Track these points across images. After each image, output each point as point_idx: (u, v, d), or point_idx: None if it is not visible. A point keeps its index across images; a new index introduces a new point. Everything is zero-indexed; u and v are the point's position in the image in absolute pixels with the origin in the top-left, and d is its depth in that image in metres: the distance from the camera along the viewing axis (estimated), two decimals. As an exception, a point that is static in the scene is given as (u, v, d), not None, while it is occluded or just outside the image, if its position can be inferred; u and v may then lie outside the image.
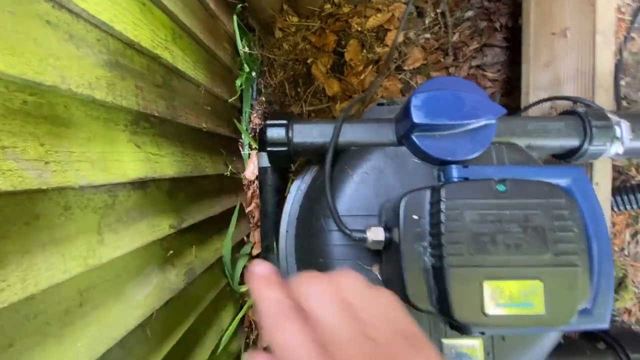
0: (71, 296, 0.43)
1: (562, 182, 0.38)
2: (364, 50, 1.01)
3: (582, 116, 0.50)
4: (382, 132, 0.50)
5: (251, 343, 1.12)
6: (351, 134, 0.50)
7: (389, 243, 0.38)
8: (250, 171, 1.28)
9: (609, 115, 0.50)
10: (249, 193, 1.28)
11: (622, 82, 0.77)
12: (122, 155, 0.53)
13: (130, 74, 0.56)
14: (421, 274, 0.34)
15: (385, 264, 0.39)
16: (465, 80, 0.45)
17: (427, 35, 0.99)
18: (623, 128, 0.48)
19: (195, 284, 0.78)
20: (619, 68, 0.75)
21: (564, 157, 0.53)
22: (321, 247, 0.48)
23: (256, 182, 1.21)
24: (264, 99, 1.17)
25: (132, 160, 0.55)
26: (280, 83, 1.12)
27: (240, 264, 1.01)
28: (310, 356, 0.20)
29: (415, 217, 0.35)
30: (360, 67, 1.00)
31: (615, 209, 0.72)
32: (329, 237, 0.47)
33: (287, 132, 0.49)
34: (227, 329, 0.94)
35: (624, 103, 0.77)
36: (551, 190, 0.33)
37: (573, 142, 0.50)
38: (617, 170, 0.79)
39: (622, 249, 0.81)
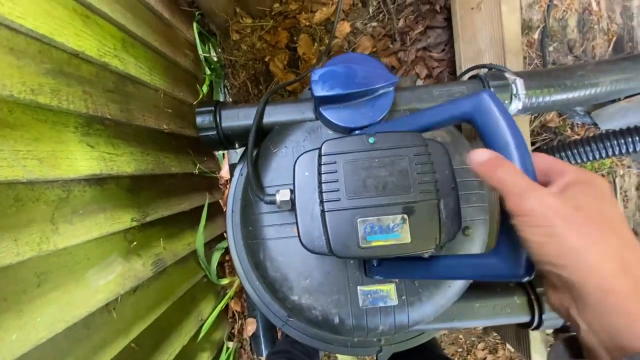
0: (28, 277, 0.48)
1: (466, 113, 0.36)
2: (315, 44, 1.06)
3: (481, 78, 0.55)
4: (302, 110, 0.55)
5: (236, 333, 1.16)
6: (274, 114, 0.55)
7: (294, 201, 0.43)
8: (225, 170, 1.34)
9: (506, 74, 0.54)
10: (226, 192, 1.34)
11: (550, 48, 0.81)
12: (73, 154, 0.58)
13: (77, 81, 0.61)
14: (312, 221, 0.39)
15: (296, 221, 0.44)
16: (364, 55, 0.50)
17: (374, 24, 1.05)
18: (518, 85, 0.53)
19: (166, 274, 0.83)
20: (545, 34, 0.79)
21: (474, 118, 0.57)
22: (251, 217, 0.53)
23: (230, 179, 1.26)
24: (230, 99, 1.22)
25: (85, 159, 0.60)
26: (243, 83, 1.18)
27: (216, 257, 1.06)
28: (566, 212, 0.26)
29: (306, 173, 0.40)
30: (314, 60, 1.06)
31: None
32: (256, 207, 0.52)
33: (214, 117, 0.54)
34: (207, 319, 0.99)
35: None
36: (413, 139, 0.37)
37: (477, 103, 0.55)
38: (554, 132, 0.83)
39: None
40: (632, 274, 0.25)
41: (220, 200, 1.28)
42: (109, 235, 0.65)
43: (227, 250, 1.15)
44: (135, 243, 0.72)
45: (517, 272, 0.31)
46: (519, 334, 0.75)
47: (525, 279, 0.32)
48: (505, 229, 0.31)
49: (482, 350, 1.26)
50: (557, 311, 0.30)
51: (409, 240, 0.35)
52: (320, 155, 0.38)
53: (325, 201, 0.36)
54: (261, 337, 1.14)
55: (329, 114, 0.49)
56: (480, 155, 0.32)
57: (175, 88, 0.98)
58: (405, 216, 0.35)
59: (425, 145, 0.37)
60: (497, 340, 1.27)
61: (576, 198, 0.27)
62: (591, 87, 0.57)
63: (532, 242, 0.27)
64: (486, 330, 1.26)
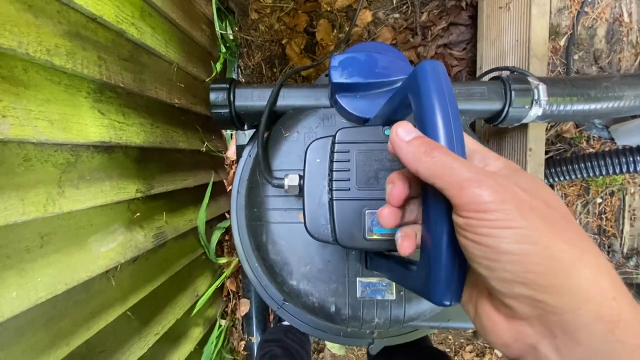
0: (32, 237, 0.49)
1: (404, 90, 0.30)
2: (335, 30, 1.04)
3: (504, 80, 0.53)
4: (317, 96, 0.54)
5: (229, 312, 1.18)
6: (289, 98, 0.55)
7: (303, 187, 0.42)
8: (232, 151, 1.33)
9: (529, 79, 0.53)
10: (231, 172, 1.34)
11: (575, 57, 0.79)
12: (84, 119, 0.58)
13: (93, 46, 0.60)
14: (319, 209, 0.39)
15: (303, 207, 0.43)
16: (386, 45, 0.49)
17: (396, 15, 1.02)
18: (541, 90, 0.51)
19: (166, 247, 0.84)
20: (572, 42, 0.77)
21: (491, 120, 0.56)
22: (257, 199, 0.52)
23: (236, 160, 1.26)
24: (243, 79, 1.21)
25: (95, 125, 0.60)
26: (258, 64, 1.16)
27: (216, 235, 1.06)
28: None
29: (318, 160, 0.40)
30: (332, 46, 1.04)
31: (562, 178, 0.75)
32: (263, 189, 0.52)
33: (228, 95, 0.53)
34: (202, 295, 1.00)
35: (577, 77, 0.80)
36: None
37: (496, 106, 0.54)
38: (569, 143, 0.82)
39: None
40: (623, 288, 0.19)
41: (224, 180, 1.28)
42: (113, 204, 0.65)
43: (227, 230, 1.16)
44: (138, 214, 0.72)
45: (434, 295, 0.24)
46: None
47: (446, 304, 0.24)
48: (427, 237, 0.25)
49: (470, 352, 1.28)
50: (507, 349, 0.22)
51: (415, 236, 0.35)
52: (333, 143, 0.37)
53: (335, 189, 0.36)
54: (253, 318, 1.15)
55: (344, 102, 0.48)
56: (404, 132, 0.25)
57: (189, 63, 0.97)
58: (414, 212, 0.35)
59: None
60: (485, 344, 1.28)
61: (531, 189, 0.21)
62: (615, 99, 0.56)
63: (502, 251, 0.20)
64: (476, 333, 1.27)
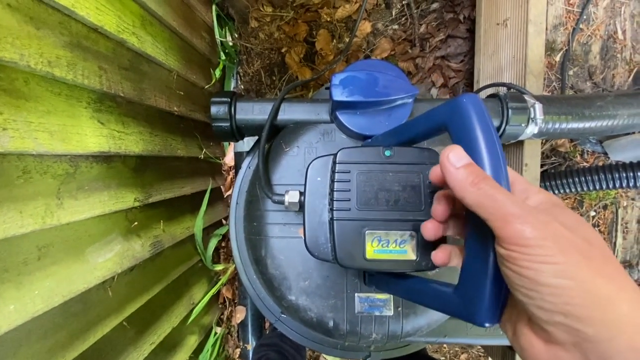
0: (29, 249, 0.48)
1: (442, 120, 0.31)
2: (334, 40, 1.05)
3: (501, 98, 0.54)
4: (317, 111, 0.55)
5: (225, 319, 1.18)
6: (290, 112, 0.55)
7: (303, 205, 0.43)
8: (230, 157, 1.33)
9: (526, 97, 0.54)
10: (229, 178, 1.34)
11: (570, 72, 0.81)
12: (83, 129, 0.58)
13: (94, 56, 0.60)
14: (319, 227, 0.39)
15: (304, 225, 0.44)
16: (387, 63, 0.50)
17: (395, 27, 1.03)
18: (537, 109, 0.52)
19: (163, 256, 0.84)
20: (567, 58, 0.79)
21: (488, 137, 0.57)
22: (256, 213, 0.53)
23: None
24: (242, 87, 1.21)
25: (95, 135, 0.60)
26: (257, 72, 1.17)
27: (213, 242, 1.06)
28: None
29: (319, 178, 0.40)
30: (331, 56, 1.05)
31: (557, 191, 0.77)
32: (262, 203, 0.52)
33: (229, 109, 0.53)
34: (198, 303, 1.00)
35: (572, 93, 0.81)
36: (430, 156, 0.37)
37: (493, 123, 0.55)
38: (563, 157, 0.83)
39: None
40: None
41: (222, 187, 1.28)
42: (111, 214, 0.65)
43: (223, 237, 1.16)
44: (136, 223, 0.72)
45: (475, 317, 0.26)
46: (505, 352, 0.76)
47: (486, 326, 0.26)
48: (470, 261, 0.26)
49: (464, 361, 1.28)
50: None
51: (414, 257, 0.35)
52: (335, 163, 0.37)
53: (336, 209, 0.36)
54: (249, 325, 1.15)
55: (344, 118, 0.49)
56: (456, 157, 0.26)
57: (189, 70, 0.97)
58: (414, 233, 0.36)
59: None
60: (480, 353, 1.29)
61: (572, 225, 0.23)
62: (609, 118, 0.57)
63: (541, 285, 0.21)
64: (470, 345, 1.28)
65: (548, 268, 0.21)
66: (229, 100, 0.53)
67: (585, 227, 0.23)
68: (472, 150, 0.26)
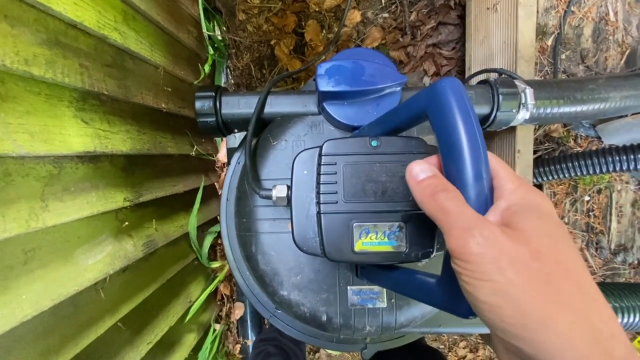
0: (15, 254, 0.47)
1: (422, 108, 0.29)
2: (324, 31, 1.03)
3: (491, 84, 0.53)
4: (305, 103, 0.54)
5: (224, 316, 1.18)
6: (276, 105, 0.54)
7: (290, 199, 0.42)
8: (223, 153, 1.32)
9: (517, 82, 0.53)
10: (222, 175, 1.33)
11: (562, 56, 0.80)
12: (66, 129, 0.56)
13: (74, 53, 0.59)
14: (307, 222, 0.38)
15: (291, 220, 0.43)
16: (374, 51, 0.49)
17: (385, 15, 1.01)
18: (528, 94, 0.51)
19: (157, 255, 0.83)
20: (559, 41, 0.78)
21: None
22: (246, 209, 0.52)
23: (227, 163, 1.24)
24: (232, 81, 1.19)
25: (79, 135, 0.59)
26: (247, 65, 1.15)
27: (208, 240, 1.05)
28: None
29: (305, 172, 0.39)
30: (321, 47, 1.03)
31: (551, 177, 0.76)
32: (251, 199, 0.51)
33: (214, 103, 0.52)
34: (196, 301, 1.00)
35: (564, 77, 0.80)
36: (417, 145, 0.36)
37: (484, 110, 0.54)
38: (557, 142, 0.82)
39: (562, 217, 0.85)
40: (604, 345, 0.19)
41: (215, 183, 1.26)
42: (100, 215, 0.64)
43: (219, 234, 1.15)
44: (127, 223, 0.71)
45: (457, 309, 0.26)
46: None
47: (471, 318, 0.26)
48: (448, 260, 0.25)
49: (464, 348, 1.29)
50: None
51: (404, 249, 0.35)
52: (320, 155, 0.36)
53: (322, 203, 0.35)
54: (248, 321, 1.15)
55: (332, 109, 0.48)
56: (418, 170, 0.27)
57: (176, 66, 0.95)
58: (403, 224, 0.35)
59: (427, 153, 0.36)
60: (478, 340, 1.30)
61: (530, 235, 0.22)
62: (601, 101, 0.56)
63: (478, 301, 0.21)
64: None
65: (485, 285, 0.21)
66: (214, 94, 0.52)
67: (555, 239, 0.22)
68: (450, 139, 0.25)
